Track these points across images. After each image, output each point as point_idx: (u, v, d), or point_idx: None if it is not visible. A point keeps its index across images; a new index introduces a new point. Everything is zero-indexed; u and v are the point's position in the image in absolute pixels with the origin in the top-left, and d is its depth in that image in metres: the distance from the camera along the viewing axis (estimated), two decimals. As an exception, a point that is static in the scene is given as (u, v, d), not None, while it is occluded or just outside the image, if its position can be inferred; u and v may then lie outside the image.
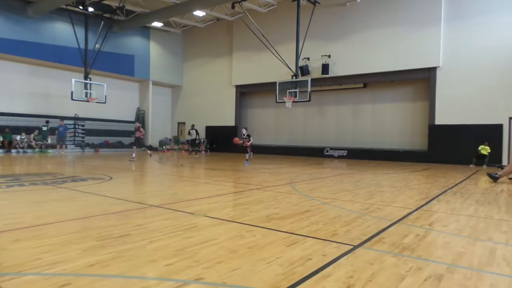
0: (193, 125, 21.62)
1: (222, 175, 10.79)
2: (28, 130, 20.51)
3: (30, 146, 20.15)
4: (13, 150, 19.44)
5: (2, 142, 19.38)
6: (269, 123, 25.24)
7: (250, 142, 14.95)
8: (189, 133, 21.27)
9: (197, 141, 21.64)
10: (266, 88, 23.23)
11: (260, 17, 22.00)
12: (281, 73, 20.39)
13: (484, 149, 15.65)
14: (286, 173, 11.45)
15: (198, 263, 2.99)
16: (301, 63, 19.77)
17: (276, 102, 18.53)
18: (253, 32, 20.14)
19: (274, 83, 18.62)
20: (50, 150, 20.59)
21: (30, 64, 21.53)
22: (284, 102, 17.90)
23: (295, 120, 23.90)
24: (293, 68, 17.99)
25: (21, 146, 19.66)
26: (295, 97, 17.56)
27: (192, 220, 4.59)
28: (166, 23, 25.62)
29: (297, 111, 23.11)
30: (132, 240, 3.65)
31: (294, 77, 17.82)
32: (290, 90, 17.69)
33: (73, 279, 2.61)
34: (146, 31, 26.43)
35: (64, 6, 19.33)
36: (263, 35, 19.31)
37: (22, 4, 19.86)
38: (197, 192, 7.20)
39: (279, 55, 18.60)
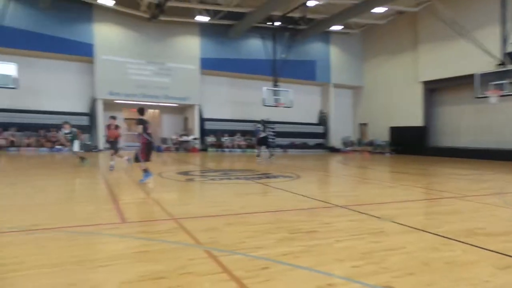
0: (263, 121, 16.68)
1: (409, 179, 10.05)
2: (232, 132, 24.94)
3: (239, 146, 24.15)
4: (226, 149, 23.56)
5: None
6: (466, 122, 21.77)
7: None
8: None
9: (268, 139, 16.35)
10: (459, 82, 20.42)
11: (451, 1, 19.29)
12: (479, 63, 17.27)
13: None
14: (490, 181, 9.72)
15: (387, 270, 2.88)
16: (509, 48, 16.26)
17: (476, 97, 15.92)
18: (442, 20, 17.81)
19: (471, 75, 16.13)
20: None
21: (230, 77, 25.72)
22: (486, 97, 15.17)
23: (501, 117, 19.76)
24: (498, 55, 15.03)
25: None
26: (502, 90, 14.65)
27: (378, 224, 4.45)
28: (345, 25, 25.66)
29: (505, 107, 19.05)
30: (319, 236, 3.84)
31: (500, 66, 14.86)
32: (495, 82, 14.89)
33: (271, 264, 2.96)
34: (326, 36, 27.22)
35: (256, 24, 22.16)
36: (455, 22, 16.82)
37: (225, 28, 23.96)
38: (382, 196, 6.92)
39: (477, 41, 15.82)
